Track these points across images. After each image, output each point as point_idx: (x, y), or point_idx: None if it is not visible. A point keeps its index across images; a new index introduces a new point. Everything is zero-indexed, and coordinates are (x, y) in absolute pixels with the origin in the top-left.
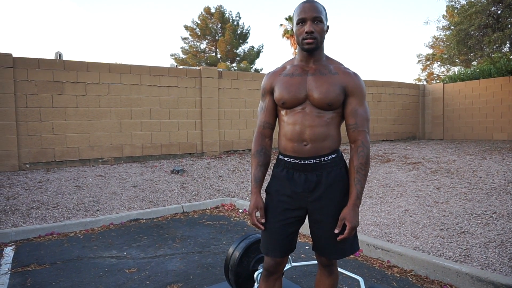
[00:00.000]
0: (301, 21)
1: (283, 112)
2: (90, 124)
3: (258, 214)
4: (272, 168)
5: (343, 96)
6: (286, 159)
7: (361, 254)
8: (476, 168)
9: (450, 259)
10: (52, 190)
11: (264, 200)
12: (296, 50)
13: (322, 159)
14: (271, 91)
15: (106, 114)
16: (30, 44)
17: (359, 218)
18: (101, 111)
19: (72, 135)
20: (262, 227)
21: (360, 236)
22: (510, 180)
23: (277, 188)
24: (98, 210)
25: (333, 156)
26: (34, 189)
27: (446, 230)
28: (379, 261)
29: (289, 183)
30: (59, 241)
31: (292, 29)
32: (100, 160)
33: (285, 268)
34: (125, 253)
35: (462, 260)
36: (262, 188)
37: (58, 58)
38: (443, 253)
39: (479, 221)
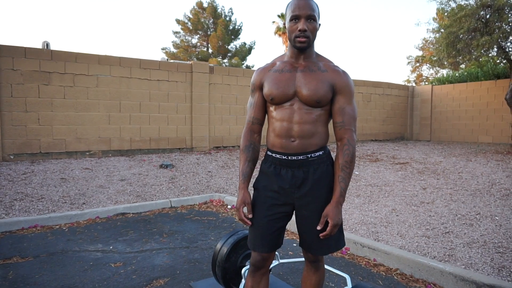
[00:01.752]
0: (295, 18)
1: (272, 108)
2: (78, 116)
3: (245, 209)
4: (260, 164)
5: (331, 94)
6: (273, 155)
7: (348, 252)
8: (462, 169)
9: (434, 258)
10: (36, 182)
11: (251, 196)
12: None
13: (309, 155)
14: (260, 87)
15: (95, 106)
16: (16, 33)
17: (347, 216)
18: (89, 103)
19: (59, 127)
20: (249, 223)
21: (347, 234)
22: (494, 182)
23: (265, 183)
24: (84, 203)
25: (320, 153)
26: (18, 181)
27: (431, 230)
28: (366, 259)
29: (276, 179)
30: (43, 234)
31: (284, 26)
32: (87, 153)
33: (272, 265)
34: (111, 247)
35: (446, 259)
36: (250, 184)
37: (45, 47)
38: (428, 253)
39: (463, 222)
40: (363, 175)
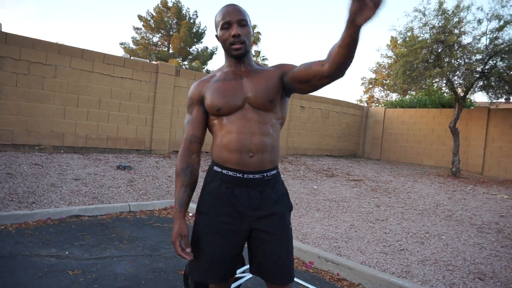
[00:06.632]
0: (226, 25)
1: (219, 121)
2: (30, 106)
3: (183, 243)
4: (203, 181)
5: (281, 85)
6: (224, 171)
7: (312, 266)
8: (410, 189)
9: (393, 274)
10: None
11: (199, 222)
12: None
13: (265, 174)
14: (200, 100)
15: (50, 98)
16: None
17: (309, 229)
18: (44, 94)
19: (7, 116)
20: (189, 257)
21: (311, 248)
22: (438, 203)
23: (216, 206)
24: (33, 203)
25: (274, 172)
26: None
27: (388, 246)
28: (330, 274)
29: (230, 200)
30: None
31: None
32: (37, 147)
33: (248, 277)
34: (66, 252)
35: (404, 276)
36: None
37: None
38: (387, 269)
39: (415, 240)
40: (321, 189)
